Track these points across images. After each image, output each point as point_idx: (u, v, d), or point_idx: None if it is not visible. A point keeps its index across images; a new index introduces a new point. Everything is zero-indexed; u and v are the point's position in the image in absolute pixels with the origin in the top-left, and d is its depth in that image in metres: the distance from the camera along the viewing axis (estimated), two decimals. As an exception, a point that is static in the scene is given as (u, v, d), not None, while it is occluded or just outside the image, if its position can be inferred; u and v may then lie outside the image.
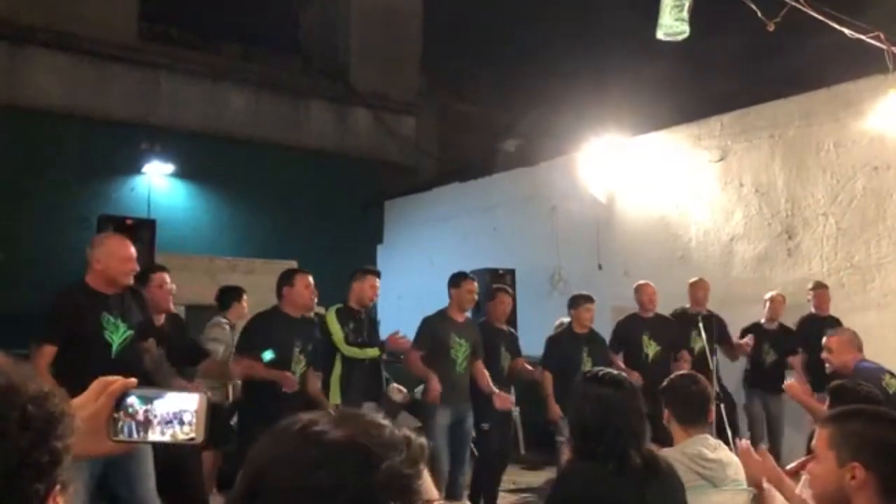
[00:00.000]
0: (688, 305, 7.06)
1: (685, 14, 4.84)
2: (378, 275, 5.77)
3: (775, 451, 6.71)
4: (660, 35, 4.97)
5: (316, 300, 5.24)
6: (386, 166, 13.08)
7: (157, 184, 11.01)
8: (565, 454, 4.39)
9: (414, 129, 13.62)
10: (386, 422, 0.88)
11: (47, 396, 0.92)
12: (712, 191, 8.49)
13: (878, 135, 6.99)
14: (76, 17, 10.46)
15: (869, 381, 4.15)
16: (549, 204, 9.94)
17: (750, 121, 8.24)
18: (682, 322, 6.83)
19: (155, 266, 4.82)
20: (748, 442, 2.76)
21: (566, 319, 6.57)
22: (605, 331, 6.64)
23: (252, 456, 0.87)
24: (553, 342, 6.31)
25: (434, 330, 5.68)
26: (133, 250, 3.94)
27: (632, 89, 10.16)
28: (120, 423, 1.15)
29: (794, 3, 5.10)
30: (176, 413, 1.15)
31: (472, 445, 5.94)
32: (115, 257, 3.84)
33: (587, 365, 5.82)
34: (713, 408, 3.30)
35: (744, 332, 7.15)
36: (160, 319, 4.60)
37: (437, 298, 5.93)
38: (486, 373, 5.80)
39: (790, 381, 4.93)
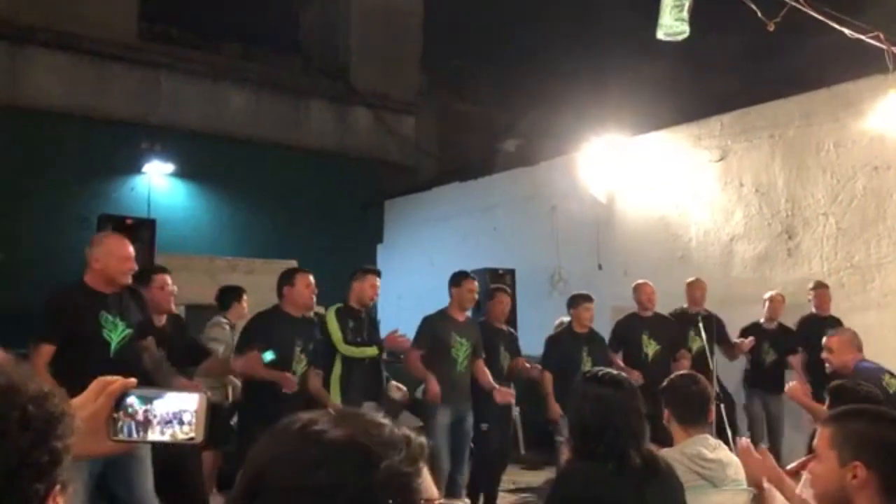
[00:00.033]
0: (685, 305, 7.06)
1: (685, 14, 4.84)
2: (378, 274, 5.77)
3: (775, 451, 6.70)
4: (660, 35, 4.97)
5: (315, 299, 5.23)
6: (386, 166, 13.08)
7: (157, 183, 11.01)
8: (564, 454, 4.40)
9: (414, 128, 13.63)
10: (386, 420, 0.88)
11: (47, 396, 0.92)
12: (712, 191, 8.49)
13: (878, 135, 6.99)
14: (76, 17, 10.46)
15: (869, 380, 4.15)
16: (549, 204, 9.94)
17: (750, 121, 8.24)
18: (682, 322, 6.83)
19: (156, 267, 4.82)
20: (749, 441, 2.76)
21: (566, 319, 6.57)
22: (606, 331, 6.64)
23: (252, 456, 0.87)
24: (553, 342, 6.31)
25: (435, 329, 5.68)
26: (132, 249, 3.94)
27: (632, 89, 10.16)
28: (119, 423, 1.15)
29: (794, 3, 5.10)
30: (175, 413, 1.15)
31: (470, 445, 5.93)
32: (114, 256, 3.84)
33: (587, 365, 5.82)
34: (713, 408, 3.30)
35: (743, 332, 7.14)
36: (161, 320, 4.59)
37: (438, 298, 5.93)
38: (487, 370, 5.80)
39: (792, 383, 4.94)
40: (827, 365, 4.69)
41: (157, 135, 10.82)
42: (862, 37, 5.68)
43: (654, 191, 8.96)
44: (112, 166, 10.67)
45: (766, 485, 2.64)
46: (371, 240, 12.63)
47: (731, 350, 6.97)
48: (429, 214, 11.86)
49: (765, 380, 7.05)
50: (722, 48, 10.57)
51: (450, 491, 5.45)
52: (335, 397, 5.29)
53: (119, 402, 1.15)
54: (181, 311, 6.28)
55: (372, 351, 5.43)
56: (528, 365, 6.17)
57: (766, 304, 7.14)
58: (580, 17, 12.41)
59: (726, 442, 4.01)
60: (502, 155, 12.40)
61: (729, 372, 6.96)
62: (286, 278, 5.04)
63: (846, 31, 5.55)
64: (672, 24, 4.88)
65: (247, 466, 0.87)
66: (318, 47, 13.70)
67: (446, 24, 13.11)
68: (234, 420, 5.75)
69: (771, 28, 5.09)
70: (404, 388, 5.96)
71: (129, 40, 11.15)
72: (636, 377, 5.76)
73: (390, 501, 0.81)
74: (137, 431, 1.16)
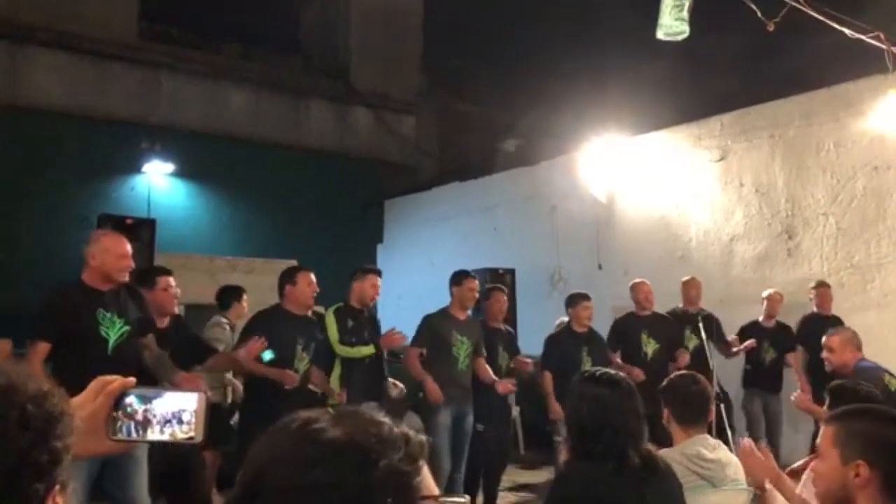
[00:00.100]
0: (681, 304, 7.06)
1: (685, 14, 4.84)
2: (379, 274, 5.76)
3: (774, 450, 6.70)
4: (660, 35, 4.97)
5: (315, 299, 5.23)
6: (386, 166, 13.08)
7: (157, 183, 11.01)
8: (563, 454, 4.40)
9: (414, 128, 13.63)
10: (385, 419, 0.88)
11: (47, 396, 0.92)
12: (712, 191, 8.49)
13: (878, 135, 6.99)
14: (76, 17, 10.47)
15: (869, 380, 4.16)
16: (549, 204, 9.95)
17: (750, 121, 8.24)
18: (680, 321, 6.83)
19: (160, 269, 4.80)
20: (751, 441, 2.76)
21: (566, 319, 6.57)
22: (606, 331, 6.64)
23: (251, 455, 0.87)
24: (552, 341, 6.30)
25: (435, 327, 5.68)
26: (129, 247, 3.94)
27: (632, 89, 10.16)
28: (119, 423, 1.15)
29: (794, 3, 5.10)
30: (175, 412, 1.15)
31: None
32: (111, 254, 3.84)
33: (587, 364, 5.81)
34: (713, 408, 3.30)
35: (742, 331, 7.15)
36: (164, 322, 4.58)
37: (438, 298, 5.93)
38: (488, 367, 5.79)
39: (796, 393, 4.96)
40: (827, 364, 4.69)
41: (157, 135, 10.82)
42: (862, 37, 5.68)
43: (654, 191, 8.96)
44: (112, 166, 10.67)
45: (768, 486, 2.65)
46: (371, 240, 12.64)
47: (727, 349, 6.97)
48: (429, 214, 11.86)
49: (764, 379, 7.06)
50: (722, 48, 10.58)
51: (449, 490, 5.45)
52: (334, 401, 5.29)
53: (118, 402, 1.15)
54: (181, 310, 6.28)
55: (368, 350, 5.41)
56: (525, 360, 6.14)
57: (765, 302, 7.14)
58: (580, 17, 12.42)
59: (725, 442, 4.01)
60: (502, 155, 12.40)
61: (728, 371, 6.96)
62: (288, 277, 5.04)
63: (846, 31, 5.55)
64: (672, 24, 4.88)
65: (246, 466, 0.87)
66: (318, 47, 13.71)
67: (446, 24, 13.12)
68: (234, 420, 5.76)
69: (771, 28, 5.09)
70: (401, 385, 5.96)
71: (130, 40, 11.16)
72: (637, 375, 5.77)
73: (389, 500, 0.81)
74: (136, 431, 1.16)
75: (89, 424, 1.11)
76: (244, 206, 11.63)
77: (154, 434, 1.16)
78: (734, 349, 7.02)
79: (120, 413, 1.15)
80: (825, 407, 3.14)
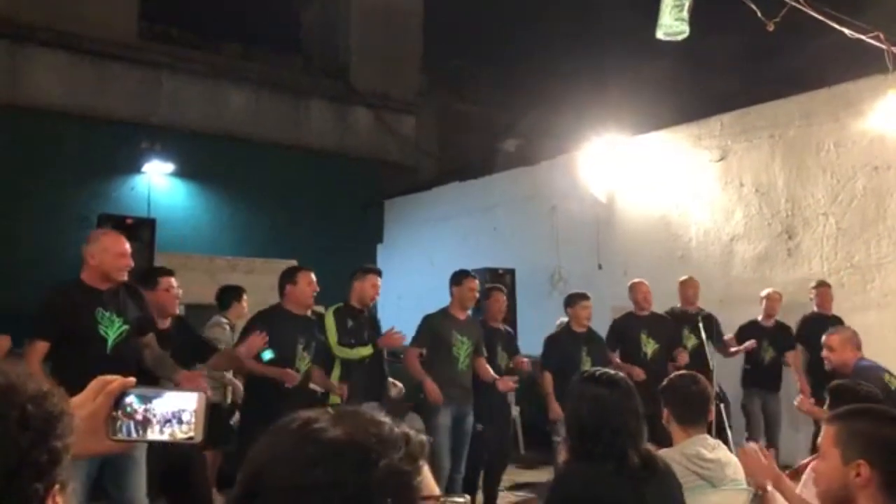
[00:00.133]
0: (678, 304, 7.06)
1: (685, 14, 4.84)
2: (379, 273, 5.75)
3: (773, 449, 6.71)
4: (660, 35, 4.97)
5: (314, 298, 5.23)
6: (386, 166, 13.09)
7: (157, 183, 11.01)
8: (562, 454, 4.40)
9: (414, 128, 13.63)
10: (385, 419, 0.88)
11: (46, 396, 0.92)
12: (712, 191, 8.49)
13: (878, 135, 6.99)
14: (76, 17, 10.47)
15: (869, 379, 4.17)
16: (549, 204, 9.95)
17: (750, 121, 8.24)
18: (680, 320, 6.84)
19: (162, 269, 4.79)
20: (756, 446, 2.76)
21: (566, 319, 6.57)
22: (605, 331, 6.64)
23: (251, 455, 0.87)
24: (552, 341, 6.30)
25: (435, 328, 5.67)
26: (127, 246, 3.94)
27: (632, 89, 10.16)
28: (118, 423, 1.15)
29: (794, 3, 5.10)
30: (175, 412, 1.15)
31: None
32: (110, 253, 3.84)
33: (586, 364, 5.81)
34: (713, 408, 3.30)
35: (740, 331, 7.16)
36: (166, 323, 4.58)
37: (438, 298, 5.93)
38: (488, 366, 5.79)
39: (799, 398, 4.96)
40: (826, 363, 4.70)
41: (157, 134, 10.82)
42: (862, 37, 5.69)
43: (654, 191, 8.96)
44: (112, 166, 10.67)
45: (769, 488, 2.66)
46: (371, 240, 12.64)
47: (725, 349, 6.97)
48: (429, 214, 11.86)
49: (763, 378, 7.06)
50: (722, 48, 10.57)
51: (449, 490, 5.45)
52: (335, 399, 5.29)
53: (118, 402, 1.15)
54: (181, 310, 6.28)
55: (366, 351, 5.40)
56: (523, 360, 6.14)
57: (763, 302, 7.15)
58: (580, 17, 12.42)
59: (725, 441, 4.01)
60: (502, 155, 12.40)
61: (727, 371, 6.96)
62: (288, 276, 5.04)
63: (846, 31, 5.55)
64: (672, 24, 4.88)
65: (246, 465, 0.87)
66: (318, 47, 13.71)
67: (446, 24, 13.12)
68: (234, 420, 5.76)
69: (771, 28, 5.09)
70: (400, 385, 5.96)
71: (130, 40, 11.16)
72: (638, 374, 5.77)
73: (389, 500, 0.81)
74: (136, 431, 1.16)
75: (89, 424, 1.11)
76: (244, 206, 11.63)
77: (154, 434, 1.16)
78: (732, 349, 7.03)
79: (120, 413, 1.15)
80: (825, 407, 3.14)
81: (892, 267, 7.10)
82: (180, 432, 1.15)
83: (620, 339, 6.59)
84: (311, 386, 5.36)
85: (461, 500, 0.87)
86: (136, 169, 10.86)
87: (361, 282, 5.58)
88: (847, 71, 7.22)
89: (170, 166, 10.99)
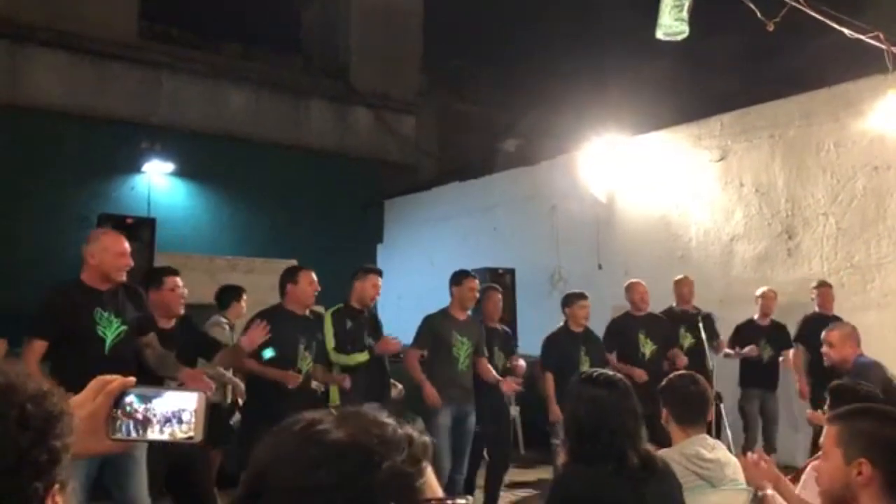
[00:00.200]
0: (674, 303, 7.07)
1: (685, 14, 4.84)
2: (380, 274, 5.73)
3: (769, 448, 6.72)
4: (659, 35, 4.97)
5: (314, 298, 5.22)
6: (386, 166, 13.09)
7: (157, 183, 11.02)
8: (561, 457, 4.39)
9: (414, 128, 13.64)
10: (389, 420, 0.88)
11: (46, 395, 0.92)
12: (712, 191, 8.49)
13: (878, 135, 6.99)
14: (76, 16, 10.47)
15: (870, 375, 4.19)
16: (549, 203, 9.95)
17: (750, 121, 8.24)
18: (678, 320, 6.85)
19: (167, 269, 4.78)
20: (758, 455, 2.77)
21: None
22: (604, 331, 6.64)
23: (255, 456, 0.87)
24: (551, 342, 6.27)
25: (435, 328, 5.66)
26: (127, 246, 3.93)
27: (632, 89, 10.16)
28: (118, 422, 1.15)
29: (794, 3, 5.10)
30: (175, 412, 1.15)
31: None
32: (110, 252, 3.83)
33: (585, 364, 5.80)
34: (713, 408, 3.30)
35: (737, 330, 7.17)
36: (170, 323, 4.57)
37: (438, 298, 5.92)
38: (490, 367, 5.79)
39: (810, 411, 4.97)
40: (826, 359, 4.70)
41: (157, 134, 10.82)
42: (862, 37, 5.69)
43: (654, 191, 8.96)
44: (112, 166, 10.67)
45: (770, 490, 2.66)
46: (371, 240, 12.64)
47: (717, 349, 6.97)
48: (429, 214, 11.86)
49: (761, 377, 7.06)
50: (722, 48, 10.58)
51: (449, 490, 5.43)
52: (334, 401, 5.28)
53: (118, 401, 1.15)
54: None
55: (362, 358, 5.37)
56: (520, 363, 6.13)
57: (759, 301, 7.15)
58: (580, 17, 12.43)
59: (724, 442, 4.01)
60: (502, 155, 12.40)
61: (725, 370, 6.96)
62: (289, 276, 5.03)
63: (846, 31, 5.55)
64: (672, 24, 4.88)
65: (250, 466, 0.87)
66: (318, 47, 13.71)
67: (446, 24, 13.13)
68: (234, 419, 5.76)
69: (771, 28, 5.09)
70: (399, 386, 5.95)
71: (130, 40, 11.16)
72: (639, 375, 5.77)
73: (392, 502, 0.81)
74: (136, 430, 1.16)
75: (89, 424, 1.11)
76: (244, 206, 11.63)
77: (154, 433, 1.16)
78: (726, 350, 7.04)
79: (119, 412, 1.15)
80: (826, 407, 3.14)
81: (892, 267, 7.10)
82: (180, 432, 1.15)
83: (618, 339, 6.58)
84: (313, 385, 5.36)
85: (463, 501, 0.86)
86: (136, 169, 10.86)
87: (362, 282, 5.57)
88: (847, 71, 7.22)
89: (170, 166, 10.99)
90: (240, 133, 11.67)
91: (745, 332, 7.14)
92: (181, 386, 3.75)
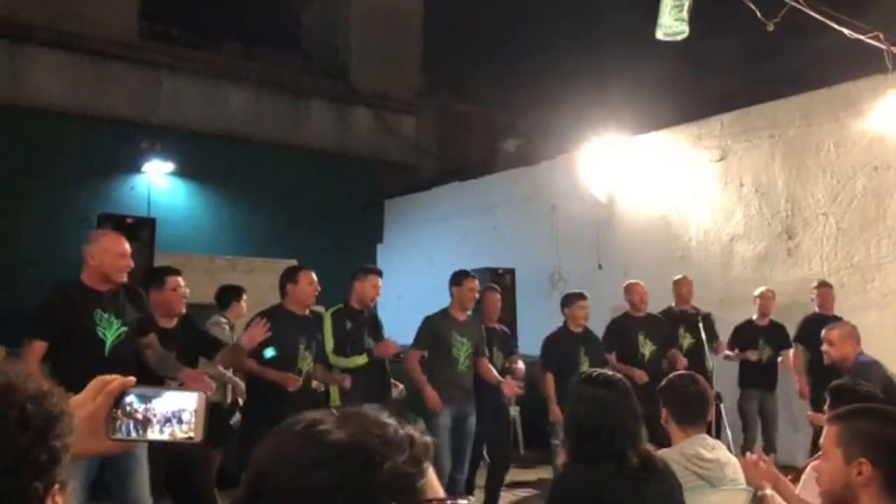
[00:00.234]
0: (673, 304, 7.08)
1: (685, 14, 4.84)
2: (380, 274, 5.72)
3: (769, 448, 6.72)
4: (659, 35, 4.97)
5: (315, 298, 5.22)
6: (386, 166, 13.09)
7: (157, 182, 11.02)
8: (560, 457, 4.39)
9: (414, 128, 13.64)
10: (390, 420, 0.88)
11: (46, 395, 0.92)
12: (712, 191, 8.49)
13: (878, 135, 6.99)
14: (76, 16, 10.47)
15: (870, 373, 4.19)
16: (549, 203, 9.95)
17: (750, 121, 8.24)
18: (678, 320, 6.85)
19: (169, 269, 4.78)
20: (756, 457, 2.77)
21: None
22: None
23: (255, 456, 0.87)
24: (550, 342, 6.27)
25: (435, 329, 5.66)
26: (127, 246, 3.93)
27: (632, 89, 10.16)
28: (118, 422, 1.15)
29: (794, 3, 5.10)
30: (175, 412, 1.15)
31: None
32: (110, 253, 3.83)
33: (585, 364, 5.80)
34: (712, 408, 3.30)
35: (736, 330, 7.17)
36: (172, 322, 4.57)
37: (438, 298, 5.92)
38: (491, 367, 5.79)
39: (810, 413, 4.97)
40: (826, 357, 4.70)
41: (157, 134, 10.82)
42: (862, 37, 5.69)
43: (654, 191, 8.96)
44: (112, 166, 10.67)
45: (769, 491, 2.67)
46: (371, 240, 12.64)
47: (717, 350, 6.98)
48: (429, 214, 11.86)
49: (760, 377, 7.06)
50: (722, 48, 10.58)
51: (450, 490, 5.42)
52: (335, 401, 5.27)
53: (118, 401, 1.15)
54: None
55: (361, 360, 5.36)
56: (519, 367, 6.12)
57: (757, 301, 7.16)
58: (580, 17, 12.42)
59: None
60: (502, 155, 12.40)
61: (724, 371, 6.96)
62: (289, 276, 5.03)
63: (846, 31, 5.55)
64: (672, 24, 4.88)
65: (251, 467, 0.87)
66: (318, 47, 13.71)
67: (446, 24, 13.13)
68: (234, 419, 5.75)
69: (771, 28, 5.09)
70: (401, 386, 5.94)
71: (130, 39, 11.16)
72: (639, 377, 5.76)
73: (393, 503, 0.81)
74: (136, 430, 1.16)
75: (89, 424, 1.11)
76: (244, 206, 11.63)
77: (154, 433, 1.16)
78: (726, 352, 7.05)
79: (119, 412, 1.15)
80: (826, 407, 3.14)
81: (892, 267, 7.10)
82: (180, 432, 1.15)
83: (617, 339, 6.58)
84: (313, 385, 5.36)
85: (464, 502, 0.86)
86: (136, 169, 10.86)
87: (362, 282, 5.56)
88: (847, 71, 7.22)
89: (170, 166, 10.99)
90: (240, 133, 11.67)
91: (744, 333, 7.14)
92: (181, 386, 3.75)
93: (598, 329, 6.50)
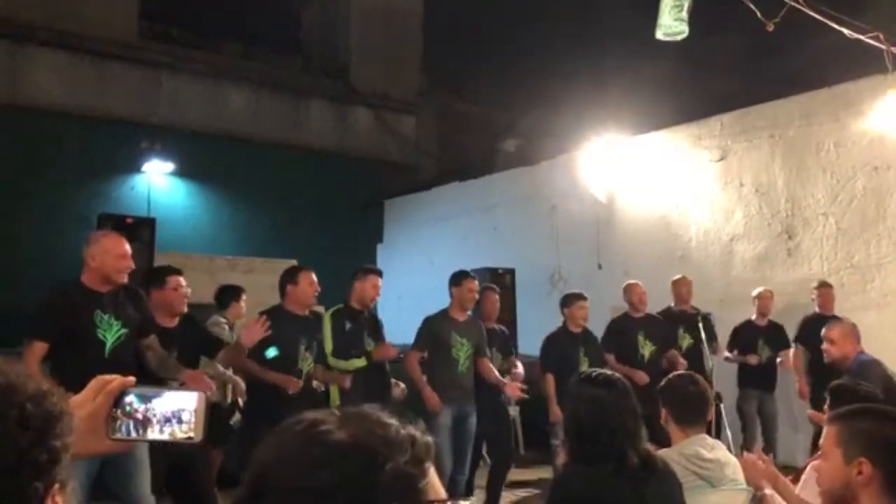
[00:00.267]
0: (672, 304, 7.07)
1: (685, 14, 4.84)
2: (380, 274, 5.71)
3: (770, 448, 6.72)
4: (659, 35, 4.97)
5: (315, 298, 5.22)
6: (386, 166, 13.09)
7: (157, 182, 11.02)
8: (560, 457, 4.39)
9: (414, 128, 13.64)
10: (392, 420, 0.88)
11: (46, 395, 0.92)
12: (712, 191, 8.49)
13: (878, 135, 6.99)
14: (76, 16, 10.47)
15: (871, 372, 4.18)
16: (549, 203, 9.95)
17: (750, 121, 8.24)
18: (677, 320, 6.85)
19: (170, 268, 4.77)
20: (755, 456, 2.77)
21: None
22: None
23: (257, 456, 0.87)
24: (550, 342, 6.27)
25: (435, 329, 5.65)
26: (128, 248, 3.93)
27: (632, 89, 10.16)
28: (118, 422, 1.15)
29: (793, 4, 5.10)
30: (175, 412, 1.15)
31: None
32: (110, 255, 3.83)
33: (584, 364, 5.80)
34: (712, 408, 3.30)
35: (735, 331, 7.16)
36: (174, 322, 4.58)
37: (438, 298, 5.92)
38: (493, 368, 5.78)
39: (810, 411, 4.96)
40: (826, 355, 4.69)
41: (157, 134, 10.83)
42: (862, 37, 5.69)
43: (654, 191, 8.96)
44: (112, 165, 10.68)
45: (768, 490, 2.67)
46: (371, 240, 12.64)
47: (716, 351, 6.98)
48: (429, 214, 11.86)
49: (759, 378, 7.06)
50: (722, 48, 10.58)
51: (451, 491, 5.41)
52: (335, 401, 5.27)
53: (118, 401, 1.15)
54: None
55: (360, 363, 5.35)
56: (517, 371, 6.12)
57: (756, 301, 7.16)
58: (580, 17, 12.43)
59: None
60: (502, 155, 12.40)
61: (723, 371, 6.96)
62: (289, 276, 5.02)
63: (846, 31, 5.55)
64: (671, 24, 4.89)
65: (252, 466, 0.87)
66: (318, 47, 13.71)
67: (446, 24, 13.13)
68: (234, 419, 5.75)
69: (770, 28, 5.09)
70: (402, 385, 5.94)
71: (130, 39, 11.16)
72: (640, 378, 5.76)
73: (394, 503, 0.81)
74: (136, 430, 1.15)
75: (89, 424, 1.11)
76: (244, 206, 11.63)
77: (154, 433, 1.16)
78: (725, 354, 7.06)
79: (119, 412, 1.15)
80: (825, 407, 3.14)
81: (892, 267, 7.10)
82: (180, 432, 1.15)
83: (617, 340, 6.58)
84: (313, 384, 5.35)
85: (466, 503, 0.86)
86: (136, 169, 10.87)
87: (362, 282, 5.55)
88: (847, 71, 7.22)
89: (170, 166, 10.99)
90: (240, 133, 11.68)
91: (743, 334, 7.14)
92: (182, 386, 3.75)
93: (599, 329, 6.50)
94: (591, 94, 10.32)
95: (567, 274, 9.67)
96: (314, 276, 5.04)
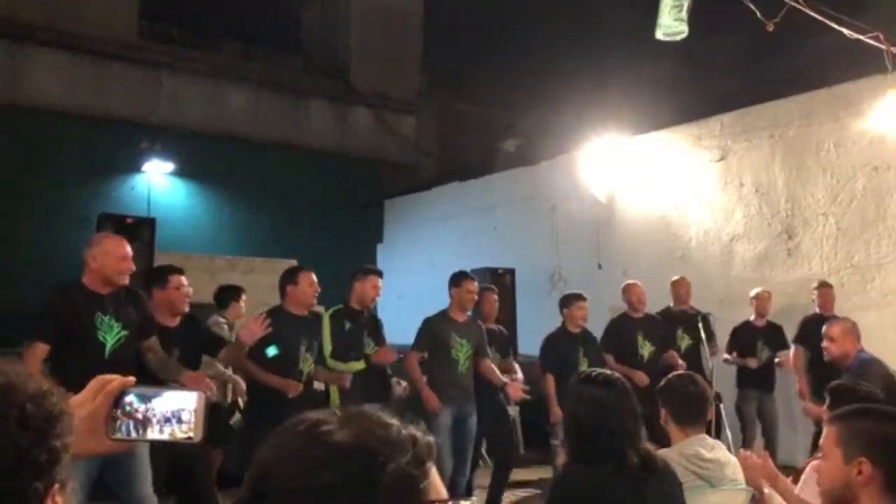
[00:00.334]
0: (671, 304, 7.07)
1: (684, 14, 4.84)
2: (380, 274, 5.71)
3: (770, 449, 6.71)
4: (659, 35, 4.97)
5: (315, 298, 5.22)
6: (386, 166, 13.09)
7: (157, 182, 11.02)
8: (560, 457, 4.39)
9: (414, 128, 13.64)
10: (393, 420, 0.88)
11: (46, 395, 0.92)
12: (712, 191, 8.49)
13: (878, 135, 6.99)
14: (76, 16, 10.47)
15: (871, 371, 4.18)
16: (549, 203, 9.95)
17: (750, 121, 8.24)
18: (677, 321, 6.85)
19: (172, 268, 4.77)
20: (747, 452, 2.78)
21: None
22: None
23: (258, 456, 0.87)
24: (550, 342, 6.27)
25: (434, 330, 5.65)
26: (129, 249, 3.93)
27: (632, 89, 10.16)
28: (118, 422, 1.15)
29: (793, 4, 5.10)
30: (174, 412, 1.15)
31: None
32: (111, 256, 3.83)
33: (584, 365, 5.80)
34: (712, 408, 3.30)
35: (734, 332, 7.16)
36: (175, 321, 4.57)
37: (438, 298, 5.92)
38: (495, 368, 5.78)
39: (807, 404, 4.95)
40: (826, 353, 4.68)
41: (157, 134, 10.83)
42: (862, 37, 5.69)
43: (654, 191, 8.96)
44: (112, 165, 10.68)
45: (767, 489, 2.67)
46: (371, 240, 12.64)
47: (715, 352, 6.97)
48: (429, 214, 11.86)
49: (758, 378, 7.06)
50: (722, 48, 10.58)
51: (451, 492, 5.41)
52: (335, 401, 5.27)
53: (118, 401, 1.15)
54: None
55: (359, 366, 5.35)
56: (517, 375, 6.13)
57: (754, 302, 7.16)
58: (580, 17, 12.43)
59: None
60: (502, 155, 12.40)
61: (722, 371, 6.96)
62: (289, 277, 5.02)
63: (846, 31, 5.55)
64: (671, 24, 4.89)
65: (253, 467, 0.87)
66: (318, 47, 13.71)
67: (446, 24, 13.13)
68: (234, 419, 5.75)
69: (770, 28, 5.09)
70: (404, 383, 5.94)
71: (130, 39, 11.17)
72: (640, 379, 5.76)
73: (395, 503, 0.81)
74: (136, 430, 1.15)
75: (89, 424, 1.11)
76: (244, 205, 11.63)
77: (153, 433, 1.16)
78: (725, 356, 7.06)
79: (119, 412, 1.15)
80: (825, 407, 3.14)
81: (892, 267, 7.10)
82: (180, 432, 1.15)
83: (616, 340, 6.57)
84: (314, 385, 5.35)
85: (467, 503, 0.87)
86: (136, 169, 10.87)
87: (362, 283, 5.55)
88: (847, 71, 7.22)
89: (170, 166, 11.00)
90: (240, 133, 11.68)
91: (742, 335, 7.14)
92: (182, 386, 3.75)
93: (599, 329, 6.49)
94: (591, 94, 10.32)
95: (567, 274, 9.68)
96: (314, 277, 5.03)
